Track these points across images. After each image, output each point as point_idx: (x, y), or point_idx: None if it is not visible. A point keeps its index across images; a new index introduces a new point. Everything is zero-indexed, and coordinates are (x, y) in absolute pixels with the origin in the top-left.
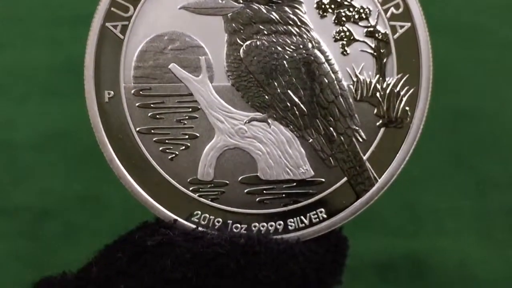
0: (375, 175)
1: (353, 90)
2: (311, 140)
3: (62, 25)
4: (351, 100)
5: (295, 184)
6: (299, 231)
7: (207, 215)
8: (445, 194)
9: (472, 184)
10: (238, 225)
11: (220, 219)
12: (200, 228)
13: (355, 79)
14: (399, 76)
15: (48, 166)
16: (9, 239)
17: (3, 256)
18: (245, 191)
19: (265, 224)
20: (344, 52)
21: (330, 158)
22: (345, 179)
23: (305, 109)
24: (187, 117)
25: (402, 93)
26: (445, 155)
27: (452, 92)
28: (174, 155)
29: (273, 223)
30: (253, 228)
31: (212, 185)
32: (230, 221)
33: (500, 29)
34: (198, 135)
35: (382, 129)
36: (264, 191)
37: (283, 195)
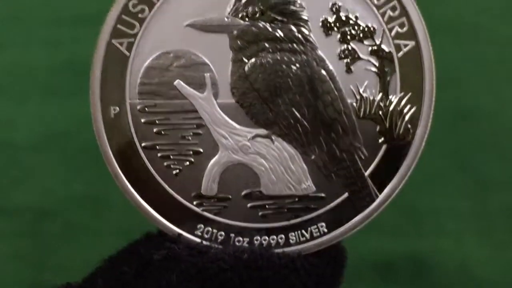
0: (376, 191)
1: (356, 108)
2: (313, 156)
3: (62, 25)
4: (354, 117)
5: (297, 199)
6: (300, 245)
7: (210, 229)
8: (445, 195)
9: (472, 184)
10: (241, 239)
11: (223, 233)
12: (204, 242)
13: (358, 97)
14: (402, 94)
15: (48, 166)
16: (9, 239)
17: (3, 256)
18: (248, 205)
19: (267, 237)
20: (348, 70)
21: (332, 174)
22: (346, 194)
23: (308, 126)
24: (191, 133)
25: (404, 111)
26: (445, 155)
27: (452, 92)
28: (178, 170)
29: (274, 237)
30: (255, 242)
31: (216, 199)
32: (232, 235)
33: (500, 29)
34: (202, 151)
35: (384, 146)
36: (267, 206)
37: (285, 210)
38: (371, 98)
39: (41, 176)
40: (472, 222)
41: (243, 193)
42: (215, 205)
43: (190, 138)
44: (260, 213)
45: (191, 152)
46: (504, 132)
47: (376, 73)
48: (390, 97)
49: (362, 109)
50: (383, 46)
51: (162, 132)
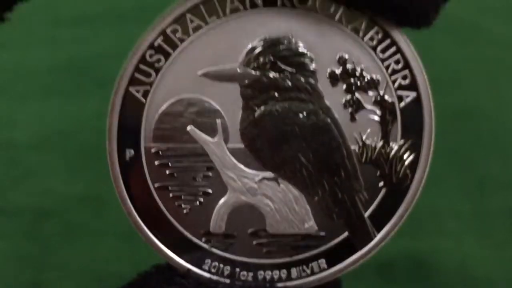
0: (374, 231)
1: (359, 154)
2: (316, 198)
3: (62, 25)
4: (356, 162)
5: (300, 238)
6: (302, 279)
7: (217, 263)
8: (445, 194)
9: (472, 184)
10: (246, 273)
11: (229, 267)
12: (213, 277)
13: (361, 144)
14: (402, 142)
15: (48, 166)
16: (9, 239)
17: (3, 256)
18: (254, 242)
19: (270, 272)
20: (352, 119)
21: (334, 214)
22: (346, 233)
23: (312, 171)
24: (202, 176)
25: (404, 157)
26: (445, 155)
27: (452, 92)
28: (188, 209)
29: (277, 272)
30: (259, 276)
31: (223, 236)
32: (238, 269)
33: (500, 29)
34: (211, 192)
35: (383, 190)
36: (271, 243)
37: (289, 247)
38: (373, 145)
39: (41, 176)
40: (471, 221)
41: (249, 231)
42: (223, 242)
43: (200, 180)
44: (264, 250)
45: (201, 193)
46: (504, 132)
47: (379, 122)
48: (391, 144)
49: (364, 155)
50: (386, 97)
51: (175, 174)
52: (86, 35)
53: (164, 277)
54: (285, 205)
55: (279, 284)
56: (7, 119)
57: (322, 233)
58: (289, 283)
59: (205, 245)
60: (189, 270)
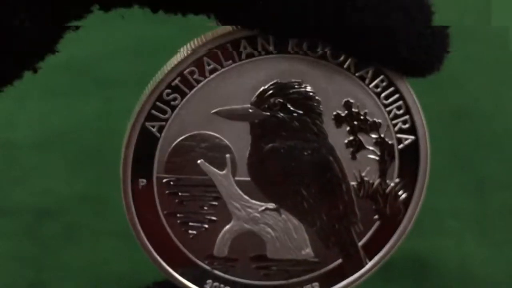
0: (366, 259)
1: (357, 189)
2: (315, 228)
3: None
4: (354, 197)
5: (296, 262)
6: None
7: (218, 284)
8: (445, 194)
9: (472, 184)
10: None
11: None
12: None
13: (359, 180)
14: (398, 180)
15: (48, 166)
16: (9, 239)
17: (3, 256)
18: (253, 266)
19: None
20: (353, 158)
21: (329, 243)
22: (340, 260)
23: (313, 203)
24: (209, 204)
25: (399, 194)
26: (445, 155)
27: (451, 92)
28: (194, 235)
29: None
30: None
31: (225, 260)
32: None
33: (499, 30)
34: (216, 219)
35: (377, 222)
36: (270, 267)
37: (286, 271)
38: (371, 181)
39: (41, 176)
40: (471, 221)
41: (250, 255)
42: (224, 265)
43: (207, 208)
44: (262, 273)
45: (207, 220)
46: (504, 132)
47: (378, 161)
48: (387, 181)
49: (362, 191)
50: (386, 139)
51: (184, 203)
52: (87, 35)
53: None
54: (285, 233)
55: None
56: (7, 119)
57: (316, 259)
58: None
59: (207, 267)
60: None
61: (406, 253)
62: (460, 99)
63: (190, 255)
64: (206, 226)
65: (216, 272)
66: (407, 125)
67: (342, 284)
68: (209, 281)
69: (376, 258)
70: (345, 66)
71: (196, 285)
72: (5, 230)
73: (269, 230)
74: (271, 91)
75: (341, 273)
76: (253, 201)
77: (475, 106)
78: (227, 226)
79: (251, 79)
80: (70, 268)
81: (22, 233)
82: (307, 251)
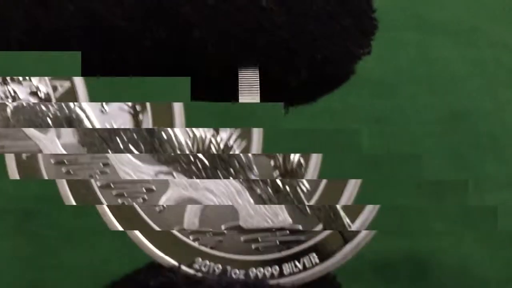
0: (347, 220)
1: None
2: (259, 191)
3: None
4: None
5: (288, 232)
6: (294, 276)
7: (207, 262)
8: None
9: (471, 184)
10: (237, 271)
11: (220, 266)
12: (200, 274)
13: None
14: None
15: None
16: (9, 239)
17: (3, 256)
18: (242, 239)
19: (261, 269)
20: None
21: (307, 207)
22: (320, 225)
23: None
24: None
25: None
26: (445, 155)
27: (451, 93)
28: (162, 208)
29: (269, 268)
30: (251, 274)
31: (211, 234)
32: (229, 267)
33: (498, 30)
34: (155, 188)
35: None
36: (260, 239)
37: (278, 242)
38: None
39: None
40: (471, 222)
41: (223, 226)
42: (211, 240)
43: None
44: (254, 246)
45: (144, 190)
46: (502, 133)
47: None
48: None
49: None
50: None
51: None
52: None
53: (154, 272)
54: (228, 199)
55: (271, 281)
56: None
57: (298, 226)
58: (281, 281)
59: (193, 243)
60: (179, 266)
61: (406, 253)
62: (459, 99)
63: (174, 231)
64: (145, 196)
65: (203, 248)
66: None
67: (342, 253)
68: (198, 259)
69: (359, 220)
70: None
71: (185, 265)
72: (4, 230)
73: (211, 196)
74: None
75: (337, 241)
76: (144, 165)
77: (474, 107)
78: (166, 195)
79: None
80: (70, 268)
81: (22, 233)
82: (284, 217)
